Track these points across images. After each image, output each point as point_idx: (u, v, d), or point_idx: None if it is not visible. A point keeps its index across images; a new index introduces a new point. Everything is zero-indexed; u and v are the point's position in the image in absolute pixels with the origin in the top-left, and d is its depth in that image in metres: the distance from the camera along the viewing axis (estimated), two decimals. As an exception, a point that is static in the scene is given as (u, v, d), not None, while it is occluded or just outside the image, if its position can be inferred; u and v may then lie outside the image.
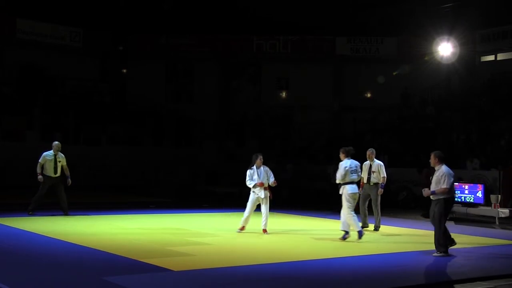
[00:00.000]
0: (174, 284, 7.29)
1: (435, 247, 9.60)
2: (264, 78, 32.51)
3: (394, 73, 29.35)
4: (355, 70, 30.93)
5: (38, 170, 13.76)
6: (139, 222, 13.48)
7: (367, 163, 12.77)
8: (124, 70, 32.46)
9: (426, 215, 13.08)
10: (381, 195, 12.75)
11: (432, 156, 9.79)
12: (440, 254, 9.48)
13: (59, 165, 13.90)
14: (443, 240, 9.58)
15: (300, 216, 15.68)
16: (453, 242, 9.78)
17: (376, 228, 12.64)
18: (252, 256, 9.21)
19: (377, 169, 12.60)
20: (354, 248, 10.27)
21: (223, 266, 8.25)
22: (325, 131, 29.78)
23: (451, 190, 9.61)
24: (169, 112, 30.21)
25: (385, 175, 12.63)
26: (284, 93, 32.60)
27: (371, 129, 28.36)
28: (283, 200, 21.20)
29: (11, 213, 13.94)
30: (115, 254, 8.88)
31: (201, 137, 29.92)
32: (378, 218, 12.68)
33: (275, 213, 16.79)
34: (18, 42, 28.60)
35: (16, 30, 28.38)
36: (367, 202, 12.86)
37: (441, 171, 9.62)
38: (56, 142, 14.10)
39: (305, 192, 22.78)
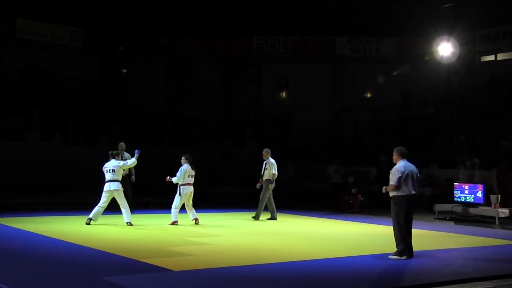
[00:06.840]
0: (174, 284, 7.29)
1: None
2: (264, 78, 32.50)
3: (395, 73, 29.35)
4: (355, 70, 30.92)
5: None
6: (139, 222, 13.48)
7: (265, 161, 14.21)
8: (124, 70, 32.45)
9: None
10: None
11: (394, 152, 9.41)
12: (395, 257, 9.02)
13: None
14: (399, 241, 9.04)
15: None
16: (407, 254, 8.97)
17: (256, 218, 14.10)
18: (252, 256, 9.21)
19: (269, 166, 14.07)
20: (354, 248, 10.28)
21: (223, 266, 8.25)
22: (325, 131, 29.76)
23: (398, 187, 8.94)
24: (169, 112, 30.19)
25: (275, 173, 14.02)
26: (284, 93, 32.58)
27: (371, 129, 28.37)
28: (282, 200, 21.24)
29: (11, 213, 13.96)
30: (115, 254, 8.88)
31: (201, 137, 29.88)
32: (261, 210, 14.16)
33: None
34: (18, 42, 28.61)
35: (16, 30, 28.39)
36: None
37: (394, 167, 9.18)
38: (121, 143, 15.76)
39: (305, 192, 22.76)
